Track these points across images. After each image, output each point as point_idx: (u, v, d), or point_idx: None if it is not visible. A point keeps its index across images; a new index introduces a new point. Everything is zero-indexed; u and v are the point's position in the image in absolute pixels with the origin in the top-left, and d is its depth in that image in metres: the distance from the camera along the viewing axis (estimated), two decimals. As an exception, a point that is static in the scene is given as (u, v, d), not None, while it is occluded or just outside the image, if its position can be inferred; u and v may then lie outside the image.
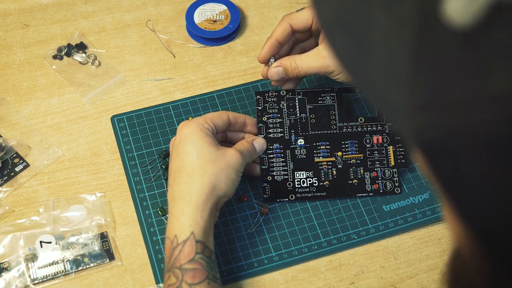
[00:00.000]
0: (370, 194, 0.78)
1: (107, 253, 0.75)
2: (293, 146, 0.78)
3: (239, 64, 0.91)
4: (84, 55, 0.91)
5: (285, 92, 0.80)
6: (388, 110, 0.29)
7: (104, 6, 0.97)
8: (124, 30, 0.94)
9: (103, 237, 0.75)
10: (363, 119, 0.80)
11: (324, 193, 0.78)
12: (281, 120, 0.79)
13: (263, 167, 0.77)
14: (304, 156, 0.78)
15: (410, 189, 0.80)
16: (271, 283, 0.74)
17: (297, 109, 0.79)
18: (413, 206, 0.79)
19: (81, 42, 0.92)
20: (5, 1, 0.96)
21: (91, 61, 0.91)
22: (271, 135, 0.78)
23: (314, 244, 0.76)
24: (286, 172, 0.78)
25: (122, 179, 0.80)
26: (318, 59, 0.73)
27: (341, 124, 0.79)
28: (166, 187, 0.79)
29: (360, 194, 0.78)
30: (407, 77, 0.26)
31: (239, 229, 0.77)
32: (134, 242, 0.76)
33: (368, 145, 0.79)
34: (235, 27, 0.93)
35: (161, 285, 0.73)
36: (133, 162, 0.81)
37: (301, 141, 0.78)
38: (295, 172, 0.78)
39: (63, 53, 0.91)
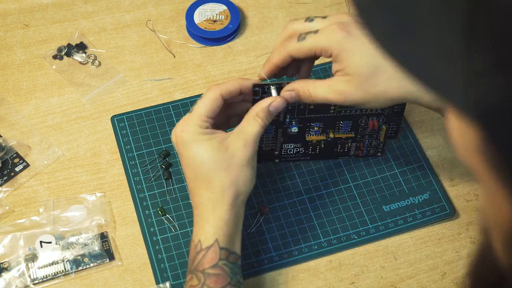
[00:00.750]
0: (352, 156, 0.80)
1: (107, 253, 0.75)
2: (285, 126, 0.76)
3: (239, 64, 0.91)
4: (84, 55, 0.91)
5: (286, 84, 0.73)
6: (439, 86, 0.29)
7: (104, 6, 0.97)
8: (124, 30, 0.94)
9: (103, 237, 0.75)
10: None
11: (308, 157, 0.77)
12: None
13: None
14: (295, 133, 0.76)
15: (410, 189, 0.80)
16: (271, 283, 0.74)
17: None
18: (413, 206, 0.79)
19: (81, 42, 0.92)
20: (5, 1, 0.96)
21: (91, 61, 0.91)
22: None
23: (314, 244, 0.76)
24: (274, 144, 0.76)
25: (122, 179, 0.80)
26: (333, 92, 0.66)
27: (340, 109, 0.75)
28: (166, 187, 0.80)
29: (343, 157, 0.80)
30: (461, 49, 0.27)
31: (239, 229, 0.77)
32: (134, 242, 0.76)
33: (362, 124, 0.77)
34: (235, 27, 0.93)
35: (161, 285, 0.73)
36: (133, 162, 0.81)
37: (295, 129, 0.76)
38: (283, 144, 0.76)
39: (63, 53, 0.91)
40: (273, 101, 0.68)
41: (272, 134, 0.76)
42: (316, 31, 0.66)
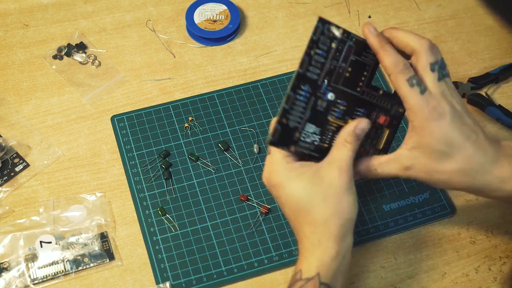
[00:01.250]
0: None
1: (107, 253, 0.75)
2: (320, 94, 0.72)
3: (239, 64, 0.91)
4: (84, 55, 0.91)
5: (342, 30, 0.71)
6: None
7: (104, 6, 0.97)
8: (124, 30, 0.94)
9: (103, 237, 0.75)
10: (381, 91, 0.74)
11: (318, 155, 0.72)
12: (324, 61, 0.71)
13: (286, 106, 0.70)
14: (322, 110, 0.72)
15: (410, 189, 0.80)
16: (271, 283, 0.74)
17: (342, 56, 0.72)
18: (413, 206, 0.79)
19: (81, 42, 0.92)
20: (5, 1, 0.96)
21: (91, 61, 0.91)
22: (308, 74, 0.71)
23: (314, 244, 0.76)
24: (300, 120, 0.71)
25: (122, 179, 0.81)
26: (399, 168, 0.65)
27: (365, 88, 0.73)
28: (166, 187, 0.80)
29: None
30: None
31: (239, 229, 0.77)
32: (134, 242, 0.76)
33: (373, 118, 0.73)
34: (235, 27, 0.93)
35: (161, 285, 0.73)
36: (133, 162, 0.81)
37: (331, 96, 0.72)
38: (307, 123, 0.71)
39: (63, 53, 0.91)
40: (358, 123, 0.68)
41: (305, 102, 0.71)
42: (424, 90, 0.64)
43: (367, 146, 0.73)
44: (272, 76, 0.90)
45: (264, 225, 0.77)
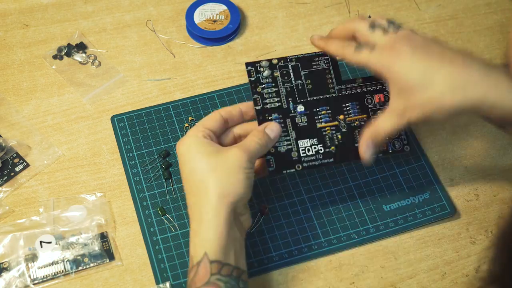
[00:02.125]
0: (379, 155, 0.74)
1: (107, 253, 0.75)
2: (292, 114, 0.74)
3: (239, 64, 0.91)
4: (84, 55, 0.91)
5: (276, 60, 0.75)
6: None
7: (104, 6, 0.97)
8: (124, 30, 0.94)
9: (103, 237, 0.75)
10: (361, 80, 0.76)
11: (332, 159, 0.73)
12: (276, 89, 0.75)
13: None
14: (306, 124, 0.74)
15: (410, 189, 0.80)
16: (271, 283, 0.74)
17: (292, 76, 0.75)
18: (413, 206, 0.79)
19: (81, 42, 0.92)
20: (5, 1, 0.96)
21: (91, 61, 0.91)
22: (268, 106, 0.74)
23: (314, 244, 0.76)
24: (289, 142, 0.73)
25: (122, 179, 0.81)
26: (397, 117, 0.67)
27: (339, 87, 0.75)
28: (166, 187, 0.80)
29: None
30: None
31: (239, 229, 0.77)
32: (134, 242, 0.76)
33: (370, 105, 0.75)
34: (235, 27, 0.93)
35: (161, 285, 0.73)
36: (133, 162, 0.81)
37: (300, 108, 0.74)
38: (298, 141, 0.73)
39: (63, 53, 0.91)
40: (268, 124, 0.71)
41: (281, 126, 0.73)
42: (373, 47, 0.68)
43: None
44: (272, 76, 0.90)
45: (264, 225, 0.77)
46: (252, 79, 0.75)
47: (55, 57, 0.91)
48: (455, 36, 0.96)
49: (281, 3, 0.98)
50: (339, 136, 0.74)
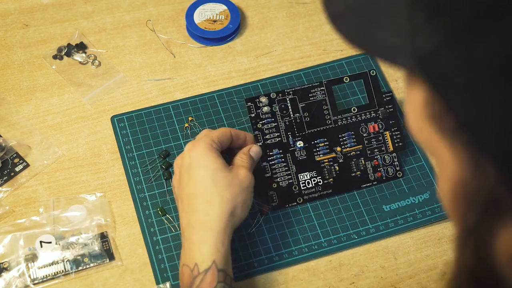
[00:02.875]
0: (374, 183, 0.79)
1: (107, 253, 0.75)
2: (292, 148, 0.78)
3: (239, 64, 0.91)
4: (84, 55, 0.91)
5: (275, 94, 0.79)
6: (394, 54, 0.37)
7: (104, 6, 0.97)
8: (124, 30, 0.94)
9: (103, 237, 0.75)
10: (356, 109, 0.79)
11: (330, 190, 0.78)
12: (276, 124, 0.78)
13: (266, 175, 0.77)
14: (305, 157, 0.78)
15: (410, 189, 0.80)
16: (271, 283, 0.74)
17: (290, 110, 0.79)
18: (413, 206, 0.79)
19: (81, 42, 0.92)
20: (5, 1, 0.96)
21: (91, 61, 0.91)
22: (268, 141, 0.78)
23: (314, 244, 0.76)
24: (290, 176, 0.78)
25: (122, 179, 0.80)
26: None
27: (335, 117, 0.79)
28: (166, 187, 0.80)
29: (365, 185, 0.79)
30: (406, 21, 0.36)
31: (239, 229, 0.77)
32: (134, 242, 0.76)
33: (365, 134, 0.79)
34: (235, 27, 0.93)
35: (161, 285, 0.73)
36: (133, 162, 0.81)
37: (300, 143, 0.78)
38: (299, 175, 0.78)
39: (63, 53, 0.91)
40: (251, 147, 0.75)
41: (282, 161, 0.77)
42: None
43: (378, 157, 0.78)
44: (272, 76, 0.90)
45: (264, 225, 0.77)
46: (252, 115, 0.78)
47: (55, 57, 0.91)
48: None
49: (281, 3, 0.98)
50: (337, 168, 0.79)
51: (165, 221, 0.77)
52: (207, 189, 0.67)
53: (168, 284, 0.73)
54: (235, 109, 0.86)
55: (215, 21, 0.94)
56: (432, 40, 0.34)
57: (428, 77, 0.35)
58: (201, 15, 0.94)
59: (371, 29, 0.38)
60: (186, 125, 0.85)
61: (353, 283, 0.74)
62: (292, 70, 0.90)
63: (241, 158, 0.73)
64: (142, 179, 0.80)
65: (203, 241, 0.65)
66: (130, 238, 0.76)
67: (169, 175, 0.80)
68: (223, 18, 0.94)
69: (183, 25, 0.95)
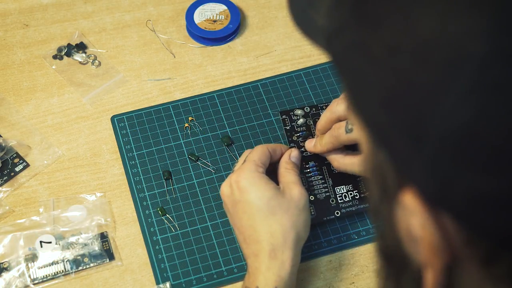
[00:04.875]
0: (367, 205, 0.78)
1: (107, 253, 0.75)
2: (327, 162, 0.77)
3: (239, 64, 0.91)
4: (84, 55, 0.91)
5: (308, 108, 0.79)
6: (319, 34, 0.39)
7: (104, 6, 0.97)
8: (124, 30, 0.94)
9: (103, 237, 0.75)
10: None
11: (368, 204, 0.76)
12: (311, 136, 0.78)
13: (305, 187, 0.76)
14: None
15: (410, 189, 0.80)
16: (271, 283, 0.74)
17: None
18: (413, 206, 0.79)
19: (81, 42, 0.92)
20: (5, 1, 0.96)
21: (91, 61, 0.91)
22: (304, 154, 0.77)
23: (314, 244, 0.76)
24: (327, 189, 0.76)
25: (122, 179, 0.80)
26: (358, 170, 0.71)
27: None
28: (166, 187, 0.79)
29: None
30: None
31: (239, 229, 0.77)
32: (134, 242, 0.76)
33: None
34: (235, 27, 0.93)
35: (161, 285, 0.73)
36: (133, 162, 0.81)
37: None
38: (335, 188, 0.77)
39: (63, 53, 0.91)
40: (291, 152, 0.74)
41: (318, 174, 0.77)
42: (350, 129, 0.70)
43: None
44: (272, 76, 0.89)
45: (264, 225, 0.77)
46: (287, 127, 0.79)
47: (55, 57, 0.91)
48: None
49: (281, 3, 0.98)
50: None
51: (165, 221, 0.77)
52: (266, 221, 0.66)
53: (168, 284, 0.73)
54: (235, 109, 0.86)
55: (215, 21, 0.94)
56: (336, 20, 0.35)
57: (332, 55, 0.37)
58: (201, 15, 0.94)
59: (311, 11, 0.41)
60: (186, 125, 0.85)
61: (353, 283, 0.74)
62: (292, 70, 0.90)
63: (286, 169, 0.72)
64: (142, 179, 0.80)
65: (268, 268, 0.65)
66: (130, 238, 0.76)
67: (169, 175, 0.80)
68: (223, 18, 0.94)
69: (183, 25, 0.95)
